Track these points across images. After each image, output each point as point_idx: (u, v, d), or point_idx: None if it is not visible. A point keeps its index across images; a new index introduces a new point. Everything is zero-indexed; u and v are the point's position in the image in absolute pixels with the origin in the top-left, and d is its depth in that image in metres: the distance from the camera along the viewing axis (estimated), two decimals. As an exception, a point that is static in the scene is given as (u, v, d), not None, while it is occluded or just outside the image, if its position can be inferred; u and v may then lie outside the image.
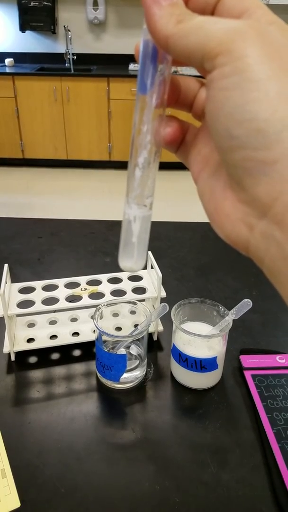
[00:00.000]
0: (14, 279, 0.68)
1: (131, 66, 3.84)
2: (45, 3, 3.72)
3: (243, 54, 0.20)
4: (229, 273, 0.90)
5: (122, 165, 3.94)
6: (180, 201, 3.38)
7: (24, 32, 3.92)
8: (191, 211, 3.23)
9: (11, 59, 3.87)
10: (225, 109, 0.21)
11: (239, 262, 0.94)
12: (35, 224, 1.04)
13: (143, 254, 0.27)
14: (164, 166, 3.91)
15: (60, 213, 3.16)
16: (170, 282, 0.84)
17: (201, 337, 0.58)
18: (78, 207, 3.28)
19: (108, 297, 0.64)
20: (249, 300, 0.60)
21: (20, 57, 4.01)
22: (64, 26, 3.88)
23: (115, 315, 0.68)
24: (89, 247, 0.96)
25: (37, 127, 3.84)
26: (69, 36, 3.89)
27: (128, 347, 0.62)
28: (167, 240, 1.02)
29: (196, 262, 0.94)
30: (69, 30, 3.87)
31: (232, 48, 0.21)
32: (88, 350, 0.66)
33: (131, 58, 3.92)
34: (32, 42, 4.02)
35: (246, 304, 0.60)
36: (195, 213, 3.43)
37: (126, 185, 0.27)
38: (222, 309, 0.63)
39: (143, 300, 0.68)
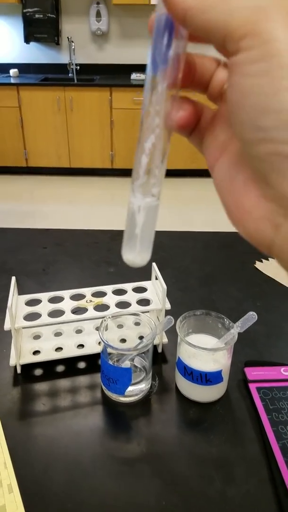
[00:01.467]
0: (20, 290, 0.69)
1: (133, 76, 3.88)
2: (49, 15, 3.77)
3: (272, 37, 0.18)
4: (233, 284, 0.91)
5: (124, 173, 3.97)
6: (183, 208, 3.39)
7: (29, 44, 3.97)
8: (194, 218, 3.25)
9: (16, 69, 3.92)
10: (251, 97, 0.19)
11: (242, 272, 0.94)
12: (40, 234, 1.05)
13: (148, 248, 0.26)
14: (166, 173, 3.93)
15: (63, 220, 3.17)
16: (174, 293, 0.84)
17: (207, 350, 0.58)
18: (81, 214, 3.30)
19: (113, 309, 0.64)
20: (254, 313, 0.60)
21: (24, 68, 4.06)
22: (68, 37, 3.93)
23: (120, 326, 0.68)
24: (93, 257, 0.97)
25: (40, 136, 3.87)
26: (73, 47, 3.93)
27: (132, 360, 0.62)
28: (170, 250, 1.03)
29: (200, 272, 0.94)
30: (72, 41, 3.91)
31: (259, 30, 0.19)
32: (93, 362, 0.66)
33: (133, 68, 3.95)
34: (36, 53, 4.07)
35: (251, 317, 0.60)
36: (198, 221, 3.45)
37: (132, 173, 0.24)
38: (227, 322, 0.63)
39: (148, 311, 0.68)
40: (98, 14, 3.86)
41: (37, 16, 3.76)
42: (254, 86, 0.19)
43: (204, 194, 3.74)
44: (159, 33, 0.22)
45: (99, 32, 3.93)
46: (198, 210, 3.39)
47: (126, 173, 3.96)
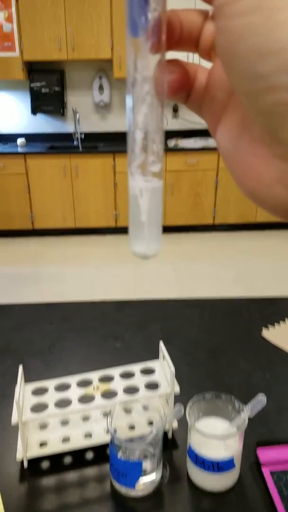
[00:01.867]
0: (26, 371, 0.68)
1: (135, 141, 4.07)
2: (54, 89, 4.03)
3: None
4: (241, 354, 0.90)
5: (127, 230, 4.07)
6: (185, 263, 3.42)
7: (36, 115, 4.21)
8: (196, 273, 3.26)
9: (23, 139, 4.13)
10: (244, 41, 0.16)
11: (250, 341, 0.94)
12: (46, 309, 1.06)
13: (157, 235, 0.23)
14: (165, 229, 4.01)
15: (68, 281, 3.20)
16: (182, 368, 0.83)
17: (218, 438, 0.57)
18: (86, 273, 3.33)
19: (121, 396, 0.64)
20: (264, 396, 0.60)
21: (31, 137, 4.28)
22: (73, 108, 4.17)
23: (128, 411, 0.67)
24: (99, 331, 0.97)
25: (46, 200, 4.00)
26: (77, 118, 4.16)
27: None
28: (176, 320, 1.03)
29: (207, 343, 0.94)
30: (77, 112, 4.15)
31: None
32: (101, 450, 0.65)
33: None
34: (42, 124, 4.31)
35: (260, 401, 0.59)
36: (202, 275, 3.44)
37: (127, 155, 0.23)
38: (237, 405, 0.62)
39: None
40: (101, 87, 4.13)
41: (43, 90, 4.02)
42: (245, 27, 0.16)
43: (205, 248, 3.79)
44: None
45: (102, 103, 4.18)
46: (201, 265, 3.42)
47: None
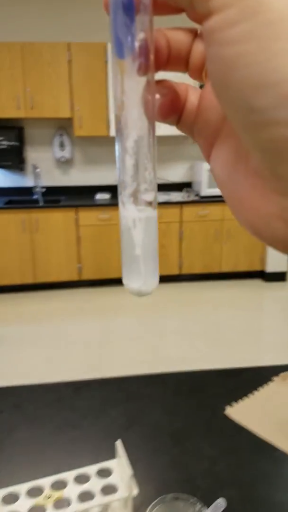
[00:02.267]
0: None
1: (98, 196, 4.12)
2: (13, 144, 4.02)
3: None
4: (205, 438, 0.87)
5: (92, 283, 4.03)
6: (151, 317, 3.38)
7: (-8, 170, 4.18)
8: (163, 327, 3.23)
9: (-22, 193, 4.06)
10: (237, 71, 0.15)
11: (214, 422, 0.91)
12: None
13: (153, 270, 0.21)
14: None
15: (25, 344, 3.05)
16: (143, 458, 0.79)
17: None
18: (46, 333, 3.21)
19: (75, 504, 0.58)
20: (223, 501, 0.57)
21: (-12, 192, 4.20)
22: (33, 164, 4.19)
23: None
24: (54, 418, 0.90)
25: (2, 256, 3.88)
26: (38, 171, 4.14)
27: None
28: (138, 400, 0.99)
29: (171, 427, 0.90)
30: (37, 167, 4.16)
31: None
32: None
33: (98, 189, 4.23)
34: (0, 178, 4.26)
35: (219, 506, 0.57)
36: (168, 330, 3.39)
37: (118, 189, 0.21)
38: (198, 507, 0.58)
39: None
40: (62, 144, 4.20)
41: (0, 146, 4.00)
42: (238, 56, 0.15)
43: (172, 298, 3.78)
44: (117, 8, 0.18)
45: (63, 159, 4.23)
46: (168, 318, 3.39)
47: (94, 283, 4.00)
